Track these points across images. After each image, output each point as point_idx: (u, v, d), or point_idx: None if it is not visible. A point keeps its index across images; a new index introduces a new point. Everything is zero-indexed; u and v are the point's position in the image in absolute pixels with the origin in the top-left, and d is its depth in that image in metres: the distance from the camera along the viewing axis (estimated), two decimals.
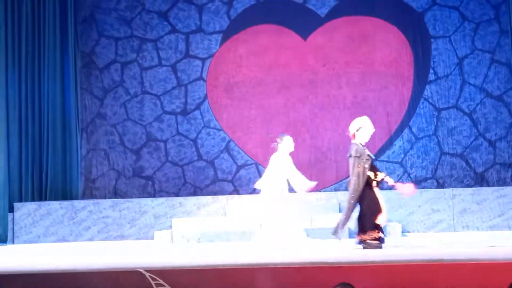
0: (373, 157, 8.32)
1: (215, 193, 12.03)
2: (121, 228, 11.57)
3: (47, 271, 6.47)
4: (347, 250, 7.84)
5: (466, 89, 11.93)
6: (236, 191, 12.10)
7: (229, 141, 12.30)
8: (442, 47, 12.00)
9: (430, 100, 12.00)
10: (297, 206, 11.13)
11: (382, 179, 8.14)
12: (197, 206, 11.58)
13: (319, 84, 12.20)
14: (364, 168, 8.07)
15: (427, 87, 12.00)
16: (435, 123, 11.96)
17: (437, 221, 10.91)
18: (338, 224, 8.18)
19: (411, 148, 11.91)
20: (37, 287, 6.32)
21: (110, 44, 12.54)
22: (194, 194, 12.12)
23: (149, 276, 6.16)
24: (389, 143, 11.95)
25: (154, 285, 6.16)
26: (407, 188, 8.36)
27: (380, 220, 7.96)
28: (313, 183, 8.56)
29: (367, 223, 8.03)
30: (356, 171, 8.10)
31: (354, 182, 8.05)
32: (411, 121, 11.97)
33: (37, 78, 12.13)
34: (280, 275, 6.08)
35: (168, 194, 12.19)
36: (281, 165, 8.62)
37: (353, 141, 8.37)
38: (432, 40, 12.01)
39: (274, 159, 8.72)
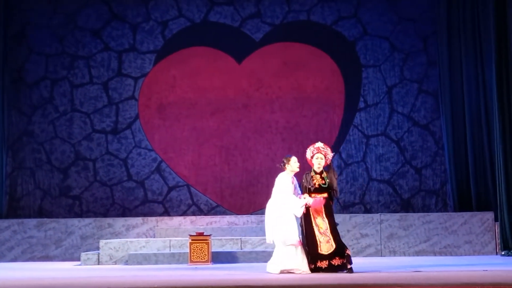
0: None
1: (144, 215, 11.88)
2: (46, 248, 11.27)
3: None
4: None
5: (395, 117, 12.25)
6: (166, 213, 11.97)
7: (160, 162, 12.19)
8: (372, 76, 12.30)
9: (359, 127, 12.26)
10: (227, 228, 11.14)
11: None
12: (126, 227, 11.41)
13: (252, 108, 12.29)
14: None
15: (357, 114, 12.25)
16: (364, 149, 12.21)
17: (365, 245, 11.10)
18: None
19: (340, 173, 12.09)
20: None
21: (41, 60, 12.27)
22: (123, 215, 11.92)
23: None
24: None
25: None
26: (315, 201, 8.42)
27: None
28: (309, 200, 8.35)
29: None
30: None
31: None
32: (341, 147, 12.18)
33: None
34: None
35: (96, 214, 11.95)
36: (285, 184, 8.46)
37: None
38: (363, 69, 12.30)
39: (280, 178, 8.53)
